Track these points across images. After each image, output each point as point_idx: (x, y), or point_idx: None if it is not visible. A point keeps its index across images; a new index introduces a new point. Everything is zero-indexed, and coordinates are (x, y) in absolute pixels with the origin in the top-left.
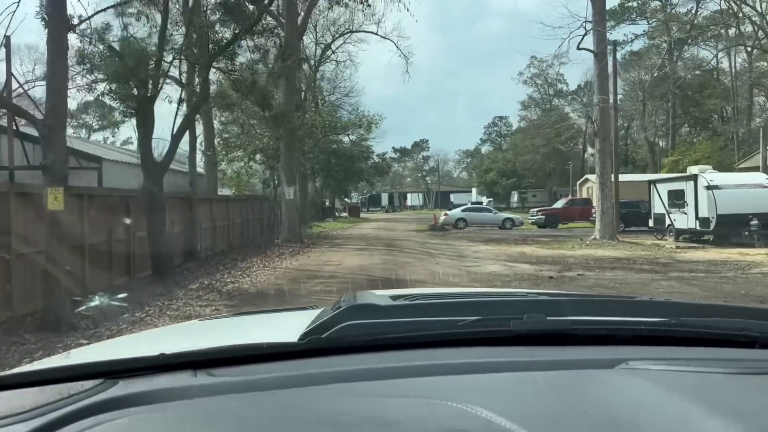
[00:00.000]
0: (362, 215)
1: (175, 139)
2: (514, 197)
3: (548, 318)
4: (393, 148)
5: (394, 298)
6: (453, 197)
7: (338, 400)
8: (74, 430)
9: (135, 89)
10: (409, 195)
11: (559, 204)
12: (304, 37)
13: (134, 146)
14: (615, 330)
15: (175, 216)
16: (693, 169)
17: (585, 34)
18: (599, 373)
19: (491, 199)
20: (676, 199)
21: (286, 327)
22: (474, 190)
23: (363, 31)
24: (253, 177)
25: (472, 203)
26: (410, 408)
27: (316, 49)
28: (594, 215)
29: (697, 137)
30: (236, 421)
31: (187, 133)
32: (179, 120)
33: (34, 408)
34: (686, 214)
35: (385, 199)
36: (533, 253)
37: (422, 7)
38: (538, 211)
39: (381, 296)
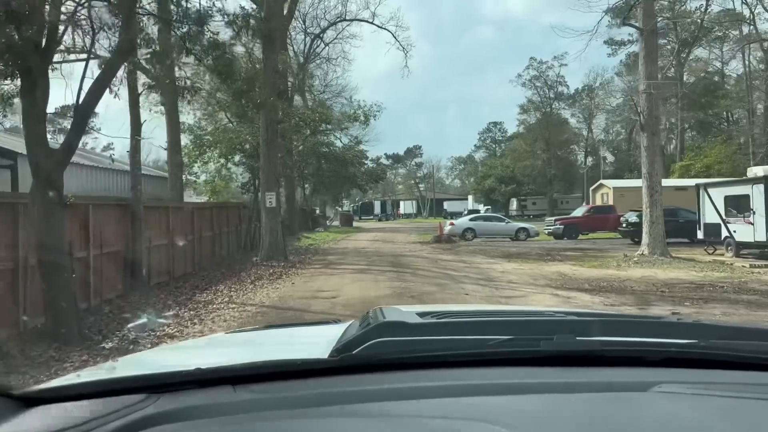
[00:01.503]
0: (355, 224)
1: (80, 113)
2: (513, 204)
3: (578, 339)
4: (385, 154)
5: (422, 314)
6: (446, 205)
7: (372, 419)
8: None
9: (17, 36)
10: (402, 203)
11: (579, 212)
12: (292, 32)
13: (116, 152)
14: (645, 351)
15: (108, 231)
16: (756, 171)
17: (631, 8)
18: (633, 396)
19: (489, 206)
20: (737, 206)
21: (315, 342)
22: (470, 197)
23: (358, 20)
24: (231, 181)
25: (469, 211)
26: (442, 429)
27: (305, 40)
28: (623, 224)
29: (702, 142)
30: None
31: (128, 115)
32: (88, 86)
33: (90, 420)
34: (752, 224)
35: (377, 207)
36: (576, 274)
37: (413, 15)
38: (556, 221)
39: (408, 313)
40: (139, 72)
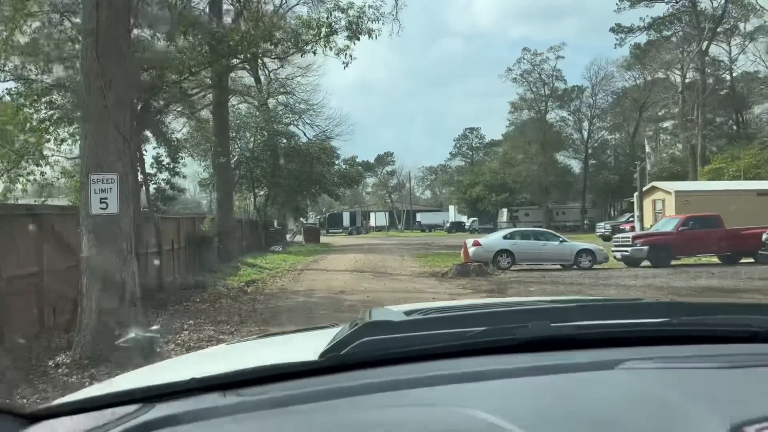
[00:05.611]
0: (322, 239)
1: None
2: (503, 216)
3: (552, 324)
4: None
5: (409, 312)
6: (420, 216)
7: (357, 411)
8: None
9: None
10: (372, 214)
11: (668, 226)
12: None
13: None
14: (618, 332)
15: None
16: None
17: None
18: (600, 375)
19: (475, 218)
20: None
21: (309, 346)
22: (452, 207)
23: None
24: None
25: (452, 223)
26: (423, 416)
27: None
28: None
29: (724, 144)
30: None
31: None
32: None
33: (87, 431)
34: None
35: (346, 219)
36: None
37: (382, 27)
38: (635, 239)
39: (395, 312)
40: None
